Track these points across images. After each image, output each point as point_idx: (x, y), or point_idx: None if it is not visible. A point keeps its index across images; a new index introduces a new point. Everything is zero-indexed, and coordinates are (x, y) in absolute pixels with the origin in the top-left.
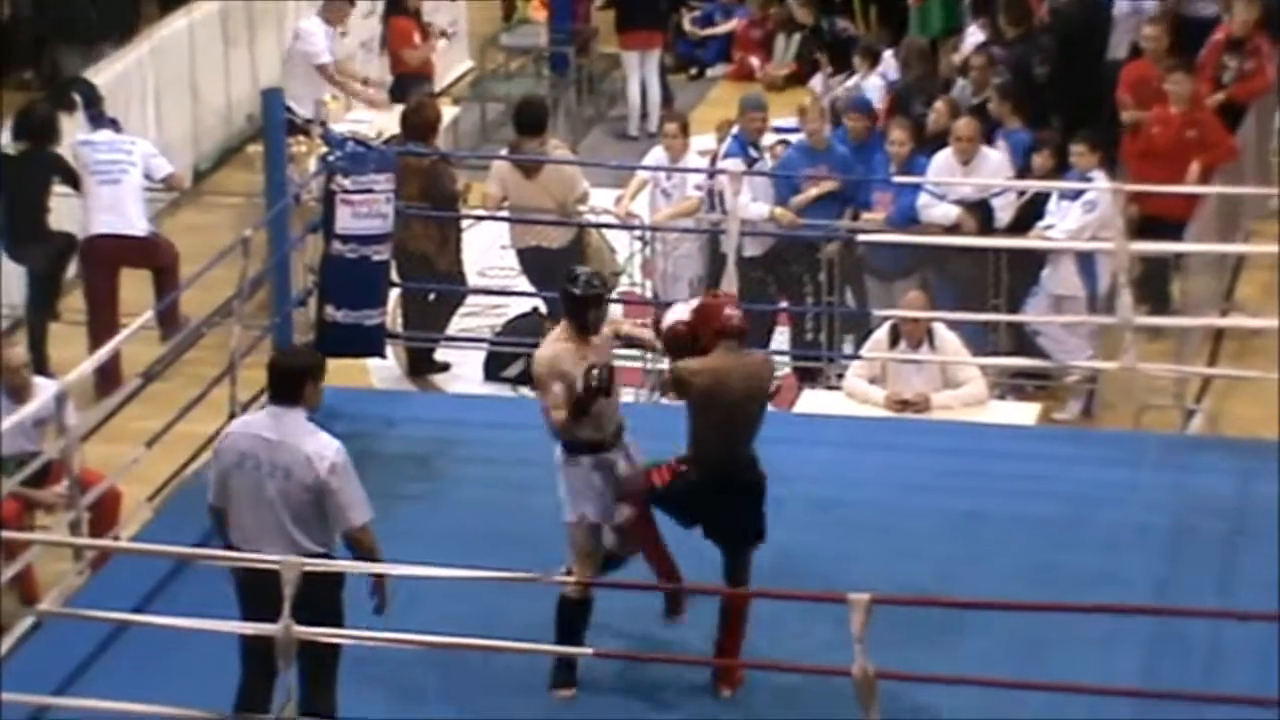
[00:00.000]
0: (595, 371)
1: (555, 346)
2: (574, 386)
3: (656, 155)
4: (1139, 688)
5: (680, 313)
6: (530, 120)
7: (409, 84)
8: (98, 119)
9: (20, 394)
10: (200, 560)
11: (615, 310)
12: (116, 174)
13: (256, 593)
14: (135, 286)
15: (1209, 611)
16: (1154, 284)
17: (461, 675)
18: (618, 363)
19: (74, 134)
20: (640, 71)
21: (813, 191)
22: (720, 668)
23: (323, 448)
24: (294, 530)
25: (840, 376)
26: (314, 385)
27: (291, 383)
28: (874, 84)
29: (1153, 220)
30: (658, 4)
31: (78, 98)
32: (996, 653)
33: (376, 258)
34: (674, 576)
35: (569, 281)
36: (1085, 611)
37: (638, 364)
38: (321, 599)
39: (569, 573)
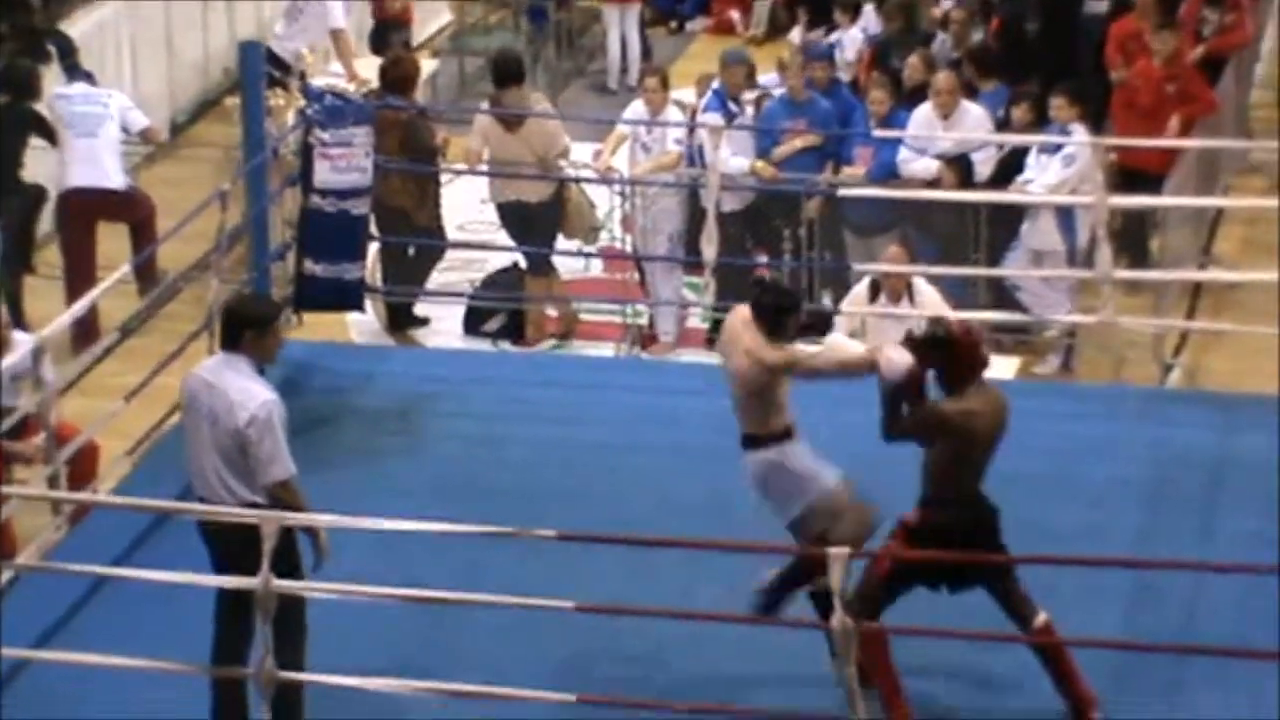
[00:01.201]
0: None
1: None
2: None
3: (636, 109)
4: (1120, 639)
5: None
6: (506, 72)
7: (389, 30)
8: (73, 71)
9: None
10: (179, 514)
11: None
12: (93, 127)
13: (216, 542)
14: (112, 241)
15: (1188, 564)
16: (1133, 238)
17: (443, 629)
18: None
19: (50, 87)
20: (620, 26)
21: (797, 143)
22: (1076, 698)
23: (248, 398)
24: (226, 475)
25: (821, 331)
26: (258, 336)
27: (234, 329)
28: (854, 37)
29: (1133, 173)
30: None
31: (53, 50)
32: (978, 606)
33: (355, 211)
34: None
35: (763, 290)
36: (1065, 564)
37: (616, 318)
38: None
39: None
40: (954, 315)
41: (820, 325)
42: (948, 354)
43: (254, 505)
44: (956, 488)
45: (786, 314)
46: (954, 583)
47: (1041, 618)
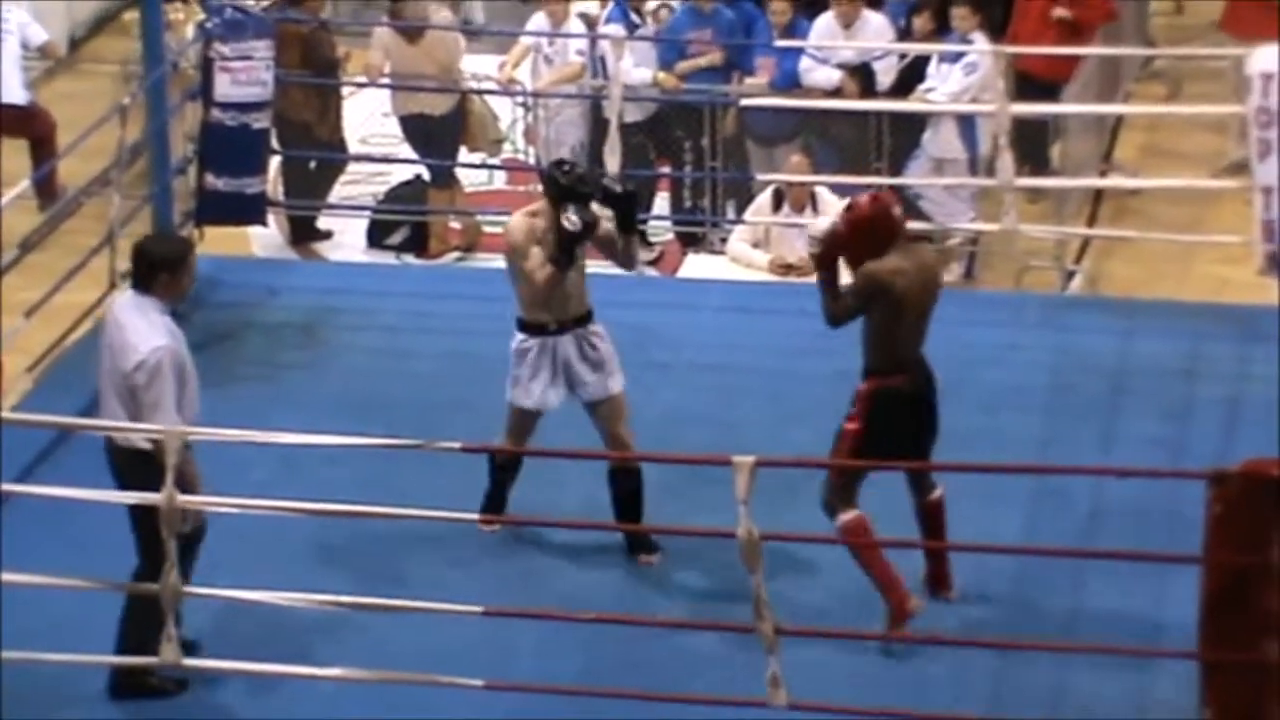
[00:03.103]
0: (572, 216)
1: (529, 219)
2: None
3: (538, 21)
4: (1020, 545)
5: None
6: None
7: None
8: None
9: None
10: (80, 430)
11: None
12: None
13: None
14: (12, 157)
15: (1089, 469)
16: (1033, 145)
17: (352, 541)
18: (497, 229)
19: None
20: None
21: (701, 61)
22: (936, 572)
23: (141, 342)
24: (119, 414)
25: (723, 241)
26: (171, 277)
27: (147, 271)
28: None
29: (1030, 80)
30: None
31: None
32: (879, 512)
33: (256, 125)
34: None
35: (557, 168)
36: (966, 470)
37: None
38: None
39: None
40: None
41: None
42: (861, 227)
43: (123, 449)
44: (897, 352)
45: (577, 198)
46: (912, 446)
47: (938, 492)
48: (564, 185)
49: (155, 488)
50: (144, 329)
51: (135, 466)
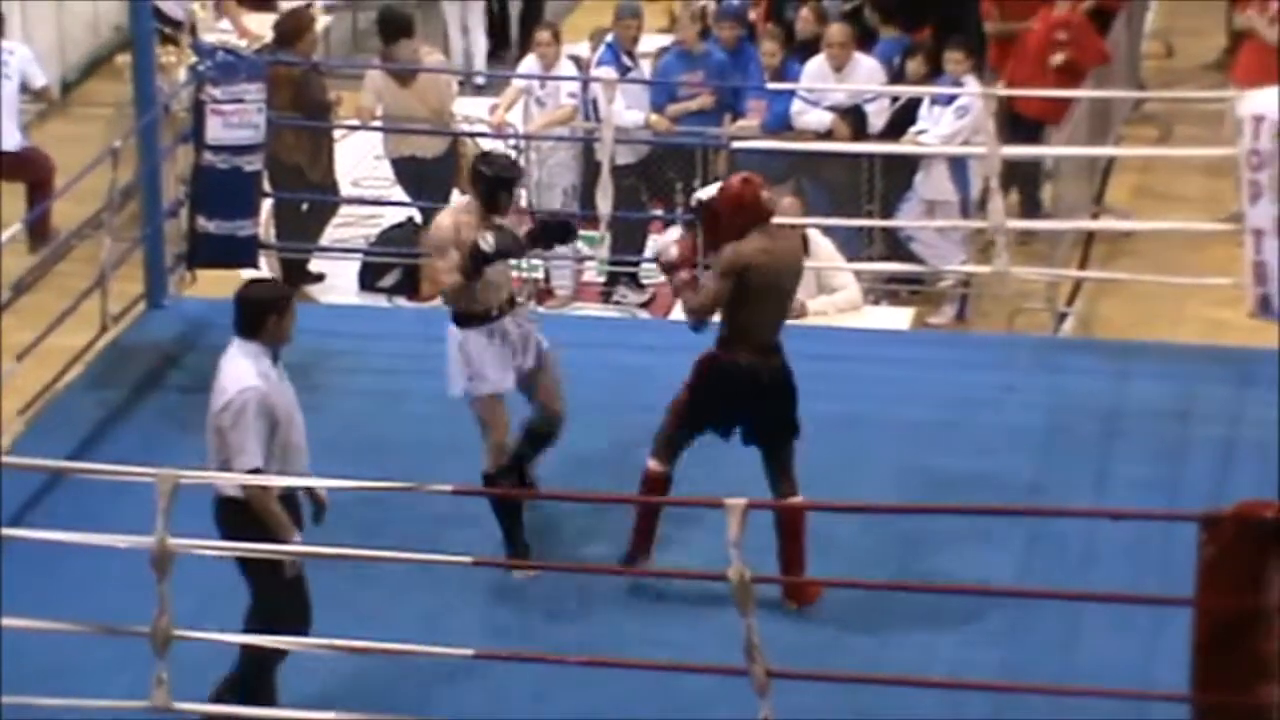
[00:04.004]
0: (490, 236)
1: (458, 217)
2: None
3: (529, 64)
4: (1014, 587)
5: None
6: (395, 26)
7: None
8: None
9: None
10: (72, 474)
11: None
12: None
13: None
14: (6, 199)
15: (1083, 511)
16: (1025, 187)
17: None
18: None
19: None
20: (461, 20)
21: (691, 105)
22: (789, 584)
23: (231, 384)
24: (213, 456)
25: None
26: (278, 319)
27: (256, 317)
28: None
29: (1020, 119)
30: None
31: None
32: (874, 555)
33: (248, 168)
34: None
35: (482, 161)
36: (961, 513)
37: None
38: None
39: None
40: (847, 266)
41: (563, 234)
42: (724, 208)
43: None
44: (747, 330)
45: (502, 186)
46: (742, 432)
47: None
48: (490, 177)
49: (253, 536)
50: (238, 372)
51: (231, 514)
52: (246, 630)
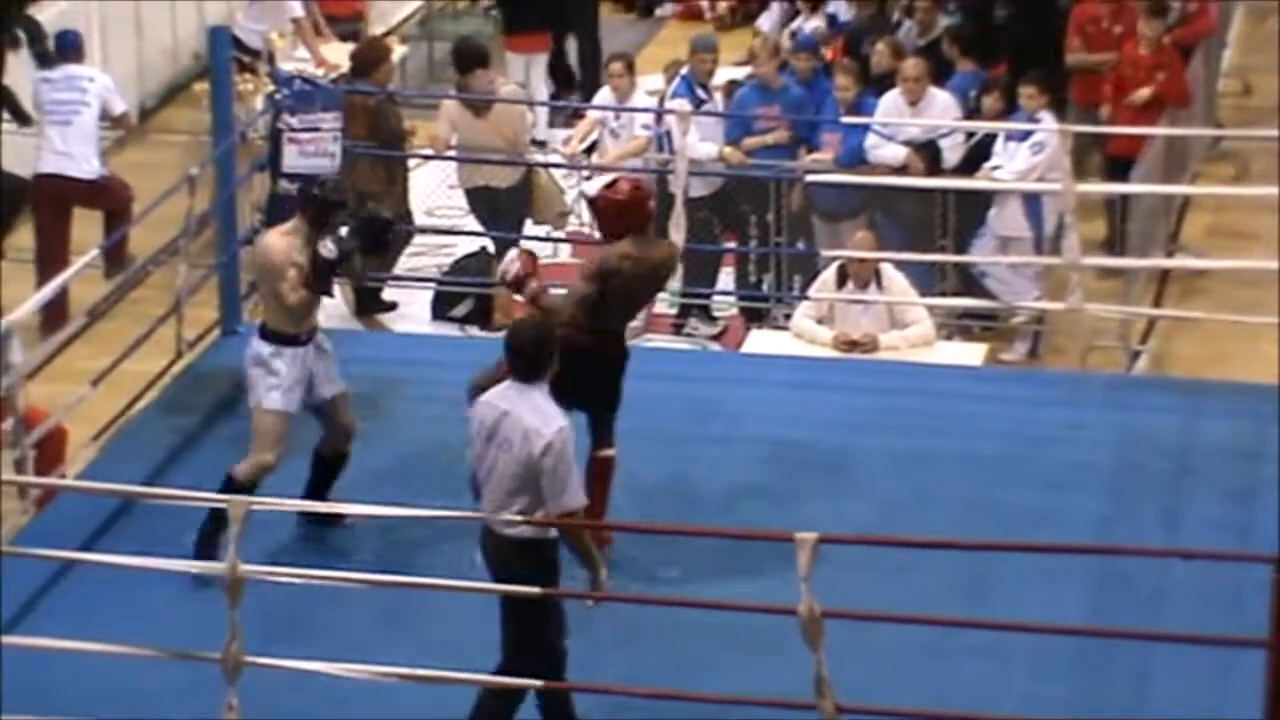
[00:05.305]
0: (330, 243)
1: (286, 239)
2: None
3: (604, 95)
4: (1083, 626)
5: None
6: (468, 58)
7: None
8: (42, 57)
9: None
10: (145, 499)
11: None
12: (67, 114)
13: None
14: (84, 225)
15: (1153, 550)
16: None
17: (413, 611)
18: None
19: (19, 71)
20: (525, 75)
21: (768, 139)
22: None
23: (543, 425)
24: (509, 501)
25: (788, 317)
26: (553, 362)
27: (537, 360)
28: (815, 24)
29: (1119, 161)
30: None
31: (22, 35)
32: (942, 591)
33: None
34: None
35: (315, 185)
36: (1031, 551)
37: None
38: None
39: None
40: (920, 301)
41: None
42: (607, 209)
43: (515, 541)
44: (599, 317)
45: (332, 208)
46: (568, 395)
47: (608, 451)
48: (322, 199)
49: (541, 580)
50: (546, 413)
51: (517, 556)
52: (505, 670)
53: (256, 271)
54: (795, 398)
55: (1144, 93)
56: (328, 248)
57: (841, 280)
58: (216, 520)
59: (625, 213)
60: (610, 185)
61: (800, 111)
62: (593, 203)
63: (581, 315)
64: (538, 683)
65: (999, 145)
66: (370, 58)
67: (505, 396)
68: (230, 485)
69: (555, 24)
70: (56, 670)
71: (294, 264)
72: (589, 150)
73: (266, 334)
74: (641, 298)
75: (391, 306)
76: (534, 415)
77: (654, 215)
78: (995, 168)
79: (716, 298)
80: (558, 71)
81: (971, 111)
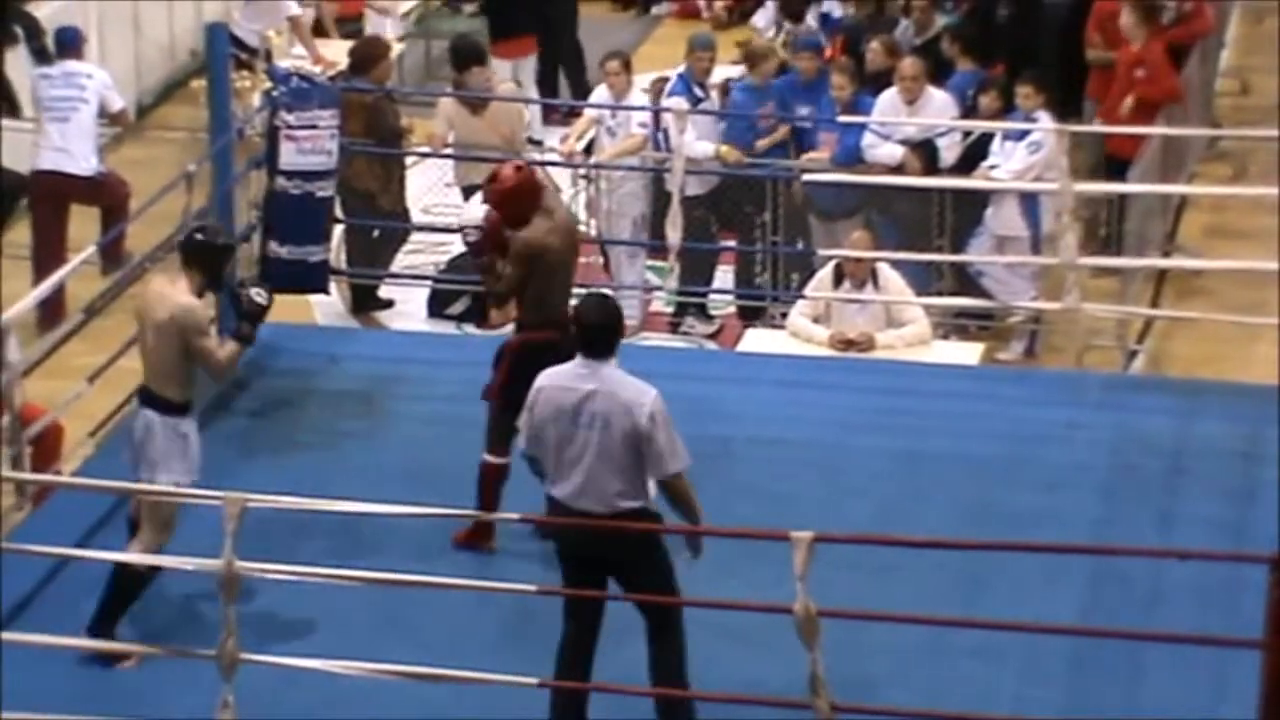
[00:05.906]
0: (262, 290)
1: (189, 297)
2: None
3: (600, 93)
4: (1079, 626)
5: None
6: (466, 55)
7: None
8: (40, 54)
9: None
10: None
11: None
12: (66, 111)
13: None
14: (81, 222)
15: (1149, 551)
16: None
17: (406, 607)
18: None
19: (16, 67)
20: (513, 78)
21: (777, 137)
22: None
23: (636, 394)
24: (613, 481)
25: (784, 315)
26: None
27: (608, 338)
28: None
29: (1117, 161)
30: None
31: (19, 31)
32: (937, 591)
33: (320, 194)
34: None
35: (202, 231)
36: (1026, 550)
37: None
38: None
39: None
40: (917, 300)
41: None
42: (509, 198)
43: (629, 512)
44: (548, 309)
45: (222, 254)
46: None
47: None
48: (208, 246)
49: (657, 537)
50: (636, 383)
51: (648, 520)
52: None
53: (153, 331)
54: (791, 397)
55: (1128, 102)
56: (260, 294)
57: (838, 279)
58: (117, 599)
59: (519, 196)
60: (492, 178)
61: (788, 107)
62: (488, 203)
63: (529, 312)
64: (533, 681)
65: (996, 144)
66: (367, 55)
67: (580, 376)
68: (124, 577)
69: (539, 27)
70: (51, 667)
71: (210, 319)
72: (587, 149)
73: (162, 403)
74: (571, 269)
75: (388, 304)
76: (625, 388)
77: (544, 188)
78: (992, 167)
79: (713, 296)
80: (544, 87)
81: (969, 111)
